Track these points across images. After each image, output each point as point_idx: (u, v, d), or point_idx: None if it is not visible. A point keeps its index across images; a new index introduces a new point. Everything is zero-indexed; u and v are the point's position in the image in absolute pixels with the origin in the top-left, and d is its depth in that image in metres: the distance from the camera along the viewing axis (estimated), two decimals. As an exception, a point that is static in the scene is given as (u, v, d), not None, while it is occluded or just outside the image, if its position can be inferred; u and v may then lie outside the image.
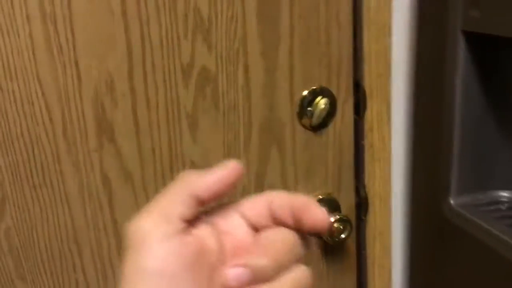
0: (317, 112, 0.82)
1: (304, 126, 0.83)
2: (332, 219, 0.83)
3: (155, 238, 0.30)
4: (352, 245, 0.92)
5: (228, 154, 0.80)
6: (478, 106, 0.72)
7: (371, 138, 0.86)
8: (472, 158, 0.73)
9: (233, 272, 0.30)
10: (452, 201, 0.75)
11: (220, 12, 0.74)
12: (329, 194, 0.88)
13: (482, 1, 0.62)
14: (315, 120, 0.82)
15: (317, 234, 0.34)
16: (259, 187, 0.83)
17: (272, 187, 0.84)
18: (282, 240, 0.33)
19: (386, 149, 0.87)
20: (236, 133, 0.80)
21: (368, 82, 0.83)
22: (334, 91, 0.83)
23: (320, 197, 0.87)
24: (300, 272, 0.32)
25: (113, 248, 0.77)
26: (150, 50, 0.72)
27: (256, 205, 0.34)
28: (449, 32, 0.69)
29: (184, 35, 0.73)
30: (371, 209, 0.90)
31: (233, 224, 0.34)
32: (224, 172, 0.33)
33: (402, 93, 0.85)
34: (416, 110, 0.81)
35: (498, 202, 0.74)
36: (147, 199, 0.43)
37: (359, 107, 0.85)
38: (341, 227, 0.83)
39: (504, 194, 0.75)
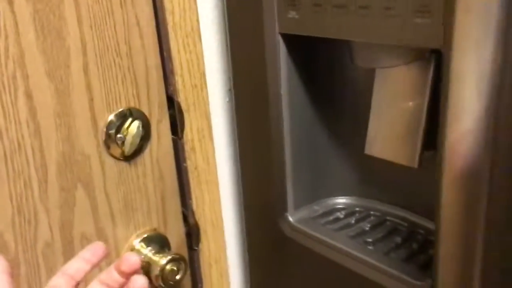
0: (129, 138, 0.68)
1: (114, 156, 0.69)
2: (164, 262, 0.71)
3: None
4: (187, 282, 0.81)
5: (20, 209, 0.62)
6: (305, 112, 0.66)
7: (194, 159, 0.76)
8: (305, 169, 0.68)
9: None
10: (290, 218, 0.69)
11: (-20, 25, 0.55)
12: (155, 229, 0.75)
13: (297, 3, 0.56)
14: (128, 148, 0.68)
15: (135, 272, 0.48)
16: (68, 239, 0.67)
17: (85, 236, 0.68)
18: None
19: (212, 170, 0.78)
20: (27, 181, 0.62)
21: (184, 96, 0.73)
22: (145, 111, 0.70)
23: (145, 235, 0.74)
24: None
25: None
26: None
27: None
28: (268, 35, 0.61)
29: None
30: (203, 237, 0.80)
31: None
32: None
33: (221, 105, 0.77)
34: (239, 123, 0.73)
35: (335, 210, 0.71)
36: None
37: (177, 126, 0.74)
38: (175, 268, 0.72)
39: (341, 200, 0.71)
